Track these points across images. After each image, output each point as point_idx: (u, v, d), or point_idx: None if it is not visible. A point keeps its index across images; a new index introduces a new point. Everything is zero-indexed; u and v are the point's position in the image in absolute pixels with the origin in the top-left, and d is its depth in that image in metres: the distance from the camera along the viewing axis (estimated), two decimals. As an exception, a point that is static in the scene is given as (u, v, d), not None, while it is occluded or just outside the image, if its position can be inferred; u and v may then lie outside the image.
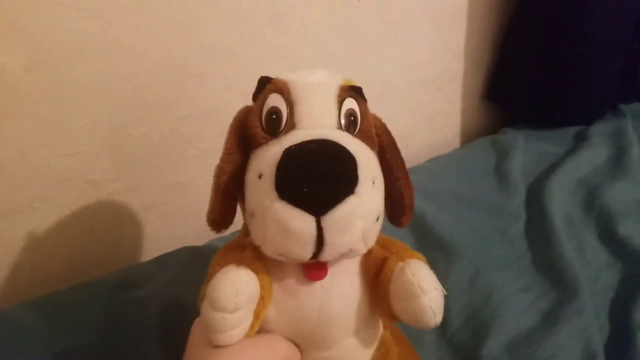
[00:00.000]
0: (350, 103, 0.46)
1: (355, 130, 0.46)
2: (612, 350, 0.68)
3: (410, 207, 0.50)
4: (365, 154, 0.43)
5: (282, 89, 0.46)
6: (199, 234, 0.87)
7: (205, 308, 0.40)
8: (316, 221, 0.38)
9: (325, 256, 0.40)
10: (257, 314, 0.44)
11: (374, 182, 0.42)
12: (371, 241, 0.43)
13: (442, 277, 0.76)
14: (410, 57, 1.13)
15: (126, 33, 0.74)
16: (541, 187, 0.99)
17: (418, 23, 1.11)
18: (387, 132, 0.51)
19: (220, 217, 0.47)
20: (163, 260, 0.78)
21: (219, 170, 0.47)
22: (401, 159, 0.50)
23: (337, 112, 0.45)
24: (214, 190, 0.47)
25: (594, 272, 0.81)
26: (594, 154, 1.10)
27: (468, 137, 1.34)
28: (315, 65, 0.93)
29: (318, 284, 0.47)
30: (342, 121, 0.45)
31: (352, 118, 0.46)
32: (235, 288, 0.41)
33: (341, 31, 0.99)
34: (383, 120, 0.52)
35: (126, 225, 0.84)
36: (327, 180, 0.38)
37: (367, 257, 0.48)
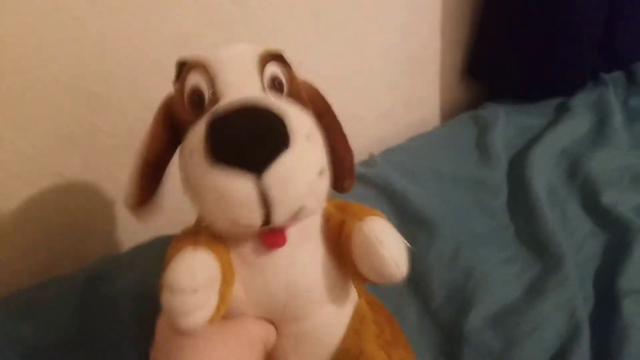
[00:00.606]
0: (273, 68, 0.45)
1: (282, 93, 0.46)
2: (597, 319, 0.67)
3: (351, 170, 0.51)
4: (295, 111, 0.42)
5: (199, 66, 0.45)
6: (174, 223, 0.85)
7: (164, 295, 0.39)
8: (257, 184, 0.37)
9: (277, 218, 0.39)
10: (221, 295, 0.43)
11: (308, 137, 0.41)
12: (321, 196, 0.42)
13: (424, 253, 0.76)
14: (385, 34, 1.11)
15: (85, 22, 0.71)
16: (523, 160, 0.98)
17: (392, 1, 1.09)
18: (321, 97, 0.51)
19: (137, 199, 0.48)
20: (136, 251, 0.76)
21: (139, 152, 0.47)
22: (338, 123, 0.51)
23: (260, 79, 0.44)
24: (132, 173, 0.47)
25: (578, 241, 0.80)
26: (575, 124, 1.08)
27: (448, 115, 1.32)
28: (284, 42, 0.91)
29: (282, 255, 0.46)
30: (266, 86, 0.45)
31: (276, 82, 0.45)
32: (191, 268, 0.40)
33: (314, 11, 0.97)
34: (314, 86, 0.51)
35: (98, 218, 0.82)
36: (256, 136, 0.37)
37: (327, 222, 0.48)
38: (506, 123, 1.12)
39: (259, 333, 0.47)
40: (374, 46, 1.10)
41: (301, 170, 0.39)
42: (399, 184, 0.91)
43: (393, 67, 1.16)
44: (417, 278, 0.73)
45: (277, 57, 0.47)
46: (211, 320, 0.41)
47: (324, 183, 0.42)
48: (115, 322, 0.63)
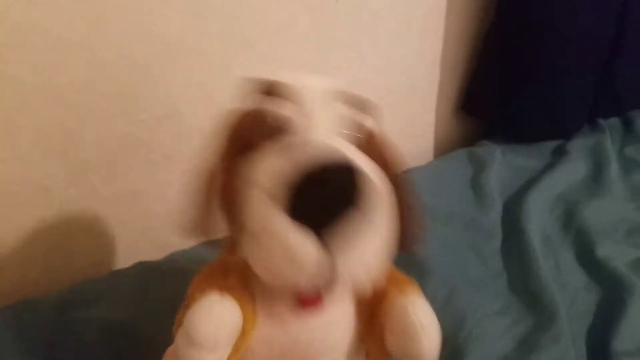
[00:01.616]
0: (358, 116, 0.43)
1: (359, 144, 0.42)
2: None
3: (415, 233, 0.47)
4: (377, 175, 0.39)
5: (284, 94, 0.42)
6: (159, 246, 0.82)
7: (180, 340, 0.37)
8: (325, 249, 0.34)
9: (328, 287, 0.37)
10: (236, 349, 0.41)
11: (388, 209, 0.38)
12: (378, 272, 0.39)
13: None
14: (384, 62, 1.09)
15: (73, 30, 0.68)
16: (518, 203, 0.96)
17: (394, 28, 1.07)
18: (391, 151, 0.47)
19: (202, 225, 0.42)
20: (115, 277, 0.73)
21: (210, 177, 0.42)
22: (406, 179, 0.47)
23: (343, 124, 0.42)
24: (199, 197, 0.42)
25: (571, 294, 0.78)
26: (572, 170, 1.08)
27: (442, 149, 1.31)
28: (283, 64, 0.89)
29: (311, 316, 0.43)
30: (348, 134, 0.42)
31: (358, 133, 0.42)
32: (216, 323, 0.38)
33: (314, 31, 0.95)
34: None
35: (79, 236, 0.78)
36: (340, 201, 0.34)
37: None
38: (502, 163, 1.10)
39: None
40: (371, 79, 1.09)
41: (371, 248, 0.36)
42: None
43: (390, 100, 1.14)
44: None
45: (364, 104, 0.44)
46: None
47: (386, 260, 0.40)
48: (79, 351, 0.60)
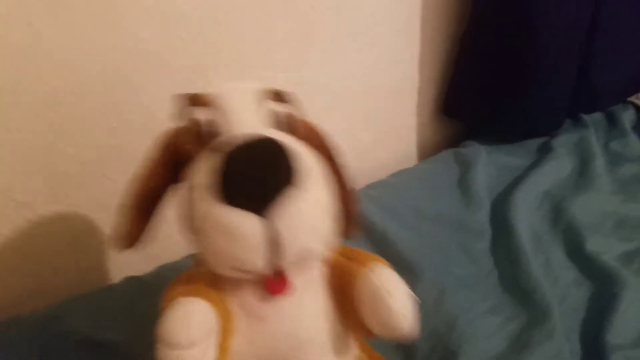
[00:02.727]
0: (277, 106, 0.45)
1: (288, 131, 0.44)
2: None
3: (355, 215, 0.49)
4: (301, 149, 0.41)
5: (206, 102, 0.44)
6: (147, 260, 0.81)
7: (159, 347, 0.38)
8: (266, 225, 0.36)
9: (282, 261, 0.38)
10: (222, 348, 0.41)
11: (316, 176, 0.40)
12: (327, 239, 0.41)
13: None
14: (365, 65, 1.08)
15: (49, 42, 0.67)
16: (506, 202, 0.96)
17: (374, 29, 1.07)
18: (320, 135, 0.49)
19: (128, 231, 0.46)
20: (103, 293, 0.71)
21: (132, 186, 0.45)
22: (340, 166, 0.49)
23: (263, 114, 0.44)
24: (124, 205, 0.45)
25: (562, 290, 0.78)
26: (558, 166, 1.07)
27: (426, 150, 1.31)
28: (263, 71, 0.88)
29: (285, 304, 0.44)
30: (269, 122, 0.44)
31: (283, 120, 0.44)
32: (186, 321, 0.38)
33: (293, 37, 0.94)
34: (315, 125, 0.50)
35: (66, 251, 0.77)
36: (269, 175, 0.36)
37: (329, 268, 0.47)
38: (488, 162, 1.10)
39: None
40: (351, 82, 1.08)
41: (312, 212, 0.38)
42: (380, 223, 0.88)
43: (370, 103, 1.14)
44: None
45: (282, 95, 0.46)
46: None
47: (331, 226, 0.41)
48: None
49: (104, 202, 0.78)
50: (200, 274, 0.44)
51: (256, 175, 0.36)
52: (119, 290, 0.72)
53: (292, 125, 0.45)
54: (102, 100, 0.74)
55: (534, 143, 1.19)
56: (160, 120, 0.78)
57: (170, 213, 0.81)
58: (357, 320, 0.44)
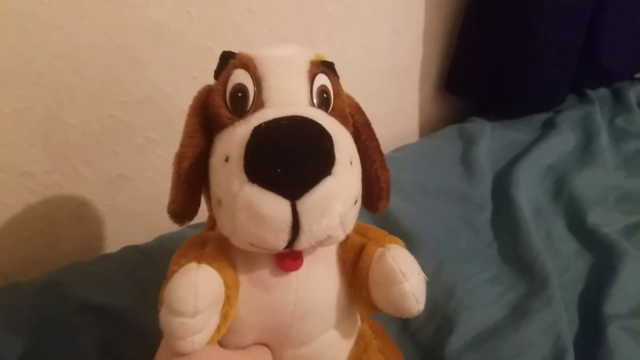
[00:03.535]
0: (323, 79, 0.43)
1: (328, 108, 0.43)
2: (581, 344, 0.65)
3: (387, 191, 0.47)
4: (341, 133, 0.40)
5: (248, 64, 0.42)
6: (145, 231, 0.82)
7: (163, 313, 0.37)
8: (291, 205, 0.35)
9: (301, 244, 0.37)
10: (224, 316, 0.40)
11: (351, 162, 0.39)
12: (349, 226, 0.40)
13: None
14: (369, 42, 1.08)
15: (52, 15, 0.67)
16: (508, 176, 0.96)
17: (378, 6, 1.06)
18: (361, 112, 0.48)
19: (183, 208, 0.43)
20: (103, 261, 0.72)
21: (179, 157, 0.42)
22: (376, 140, 0.47)
23: (309, 89, 0.42)
24: (174, 179, 0.42)
25: (563, 262, 0.78)
26: (561, 141, 1.07)
27: (429, 127, 1.30)
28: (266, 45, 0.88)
29: (293, 275, 0.43)
30: (314, 98, 0.42)
31: (324, 95, 0.43)
32: (194, 290, 0.37)
33: (298, 13, 0.94)
34: (356, 100, 0.49)
35: (66, 221, 0.77)
36: (301, 159, 0.34)
37: (344, 244, 0.46)
38: (492, 138, 1.10)
39: None
40: (355, 59, 1.08)
41: (339, 199, 0.37)
42: (382, 196, 0.88)
43: (375, 80, 1.14)
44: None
45: (328, 67, 0.45)
46: (210, 341, 0.39)
47: (356, 212, 0.40)
48: (65, 336, 0.59)
49: (107, 174, 0.78)
50: (213, 239, 0.43)
51: (292, 158, 0.34)
52: (117, 259, 0.72)
53: (334, 102, 0.43)
54: (107, 72, 0.74)
55: (539, 118, 1.18)
56: (167, 94, 0.80)
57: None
58: (366, 296, 0.44)
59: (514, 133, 1.13)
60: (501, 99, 1.19)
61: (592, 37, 1.19)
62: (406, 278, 0.41)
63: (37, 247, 0.75)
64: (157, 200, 0.83)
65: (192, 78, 0.82)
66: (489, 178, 0.97)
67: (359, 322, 0.51)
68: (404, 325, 0.67)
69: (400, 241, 0.46)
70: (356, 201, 0.39)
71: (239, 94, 0.41)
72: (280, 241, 0.36)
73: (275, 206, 0.34)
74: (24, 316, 0.60)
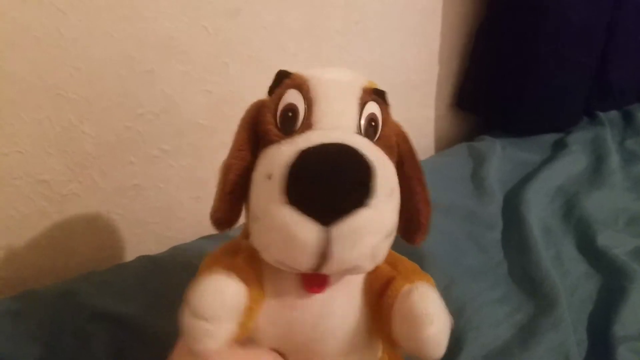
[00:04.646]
0: (373, 107, 0.43)
1: (375, 136, 0.43)
2: (591, 364, 0.65)
3: (426, 225, 0.46)
4: (384, 163, 0.40)
5: (301, 85, 0.43)
6: (159, 240, 0.83)
7: (185, 312, 0.38)
8: (324, 234, 0.35)
9: (328, 269, 0.37)
10: (243, 326, 0.41)
11: (391, 195, 0.39)
12: (380, 259, 0.40)
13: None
14: (379, 59, 1.09)
15: (75, 27, 0.69)
16: (518, 195, 0.96)
17: (388, 24, 1.07)
18: (407, 142, 0.47)
19: (224, 216, 0.44)
20: (117, 270, 0.73)
21: (227, 167, 0.43)
22: (420, 171, 0.47)
23: (358, 116, 0.42)
24: (219, 189, 0.44)
25: (573, 282, 0.78)
26: (572, 162, 1.08)
27: (442, 144, 1.31)
28: (278, 63, 0.89)
29: (316, 297, 0.44)
30: (362, 126, 0.42)
31: (372, 123, 0.43)
32: (220, 297, 0.38)
33: (308, 28, 0.95)
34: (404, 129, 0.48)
35: (81, 230, 0.79)
36: (339, 187, 0.35)
37: (372, 273, 0.45)
38: (502, 157, 1.10)
39: None
40: (371, 72, 1.08)
41: (371, 231, 0.37)
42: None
43: (389, 94, 1.14)
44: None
45: (379, 95, 0.45)
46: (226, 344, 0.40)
47: (388, 245, 0.40)
48: (79, 343, 0.60)
49: (122, 184, 0.80)
50: (245, 248, 0.44)
51: (329, 185, 0.35)
52: (131, 268, 0.73)
53: (382, 130, 0.44)
54: (121, 84, 0.75)
55: (549, 139, 1.19)
56: (180, 107, 0.81)
57: (184, 196, 0.84)
58: (388, 330, 0.42)
59: (524, 153, 1.14)
60: (513, 117, 1.20)
61: (603, 58, 1.20)
62: (431, 321, 0.39)
63: (53, 255, 0.76)
64: (167, 210, 0.84)
65: (206, 92, 0.83)
66: (499, 197, 0.98)
67: (380, 353, 0.50)
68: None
69: (430, 279, 0.45)
70: (388, 235, 0.39)
71: (290, 114, 0.42)
72: (308, 264, 0.37)
73: (307, 229, 0.35)
74: (39, 323, 0.61)
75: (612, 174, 1.04)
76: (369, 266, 0.39)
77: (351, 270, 0.39)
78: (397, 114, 1.17)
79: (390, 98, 1.14)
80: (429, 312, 0.39)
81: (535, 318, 0.70)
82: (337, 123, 0.41)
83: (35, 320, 0.61)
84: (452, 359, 0.64)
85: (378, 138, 0.43)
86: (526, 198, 0.94)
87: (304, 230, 0.35)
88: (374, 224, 0.36)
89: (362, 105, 0.43)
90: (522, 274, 0.78)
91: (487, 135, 1.20)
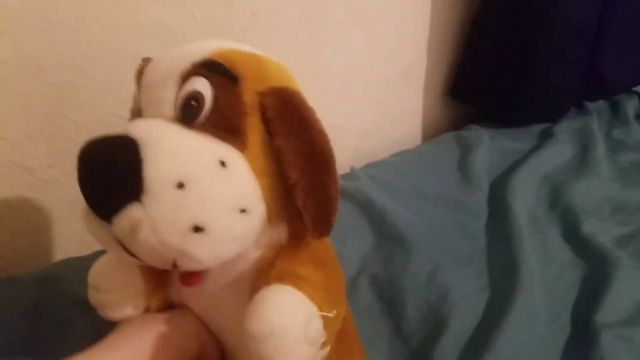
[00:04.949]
0: (195, 84, 0.39)
1: (199, 115, 0.38)
2: (573, 351, 0.65)
3: (314, 221, 0.40)
4: (184, 150, 0.37)
5: (140, 72, 0.43)
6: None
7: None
8: (112, 229, 0.35)
9: (146, 261, 0.37)
10: (144, 299, 0.48)
11: (179, 185, 0.35)
12: (208, 249, 0.36)
13: (400, 273, 0.73)
14: (373, 48, 1.09)
15: (60, 14, 0.68)
16: (505, 184, 0.96)
17: (382, 12, 1.07)
18: (284, 118, 0.40)
19: None
20: (98, 255, 0.72)
21: None
22: (302, 153, 0.40)
23: (175, 97, 0.39)
24: None
25: (557, 270, 0.78)
26: (559, 151, 1.08)
27: (430, 134, 1.31)
28: (272, 53, 0.89)
29: (201, 294, 0.45)
30: (177, 108, 0.39)
31: (193, 102, 0.38)
32: (97, 269, 0.47)
33: (303, 19, 0.94)
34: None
35: (65, 217, 0.78)
36: (103, 185, 0.35)
37: (261, 270, 0.42)
38: (490, 146, 1.10)
39: (193, 330, 0.47)
40: (359, 65, 1.08)
41: (150, 226, 0.34)
42: (379, 200, 0.88)
43: (377, 86, 1.14)
44: (391, 299, 0.71)
45: (214, 68, 0.40)
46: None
47: (201, 240, 0.36)
48: (60, 328, 0.60)
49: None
50: None
51: (91, 181, 0.35)
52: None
53: (214, 107, 0.39)
54: (111, 71, 0.74)
55: (536, 128, 1.19)
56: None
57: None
58: None
59: (512, 142, 1.14)
60: (506, 107, 1.20)
61: (594, 49, 1.20)
62: (256, 343, 0.36)
63: (35, 241, 0.76)
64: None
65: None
66: (486, 185, 0.98)
67: None
68: (396, 329, 0.67)
69: (301, 277, 0.40)
70: (197, 228, 0.35)
71: (133, 103, 0.43)
72: (128, 257, 0.37)
73: (96, 226, 0.36)
74: (21, 308, 0.60)
75: (598, 163, 1.04)
76: (199, 256, 0.36)
77: (182, 262, 0.37)
78: (386, 103, 1.17)
79: (380, 87, 1.14)
80: (253, 331, 0.36)
81: (511, 305, 0.69)
82: (154, 110, 0.40)
83: (16, 307, 0.61)
84: (435, 342, 0.64)
85: (208, 116, 0.39)
86: (512, 187, 0.94)
87: (93, 225, 0.36)
88: (148, 219, 0.34)
89: (182, 83, 0.39)
90: (506, 261, 0.78)
91: (474, 125, 1.20)
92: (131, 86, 0.75)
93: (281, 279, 0.39)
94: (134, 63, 0.74)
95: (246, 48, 0.44)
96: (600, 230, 0.85)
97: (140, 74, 0.43)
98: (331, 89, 1.05)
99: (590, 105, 1.25)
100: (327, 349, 0.44)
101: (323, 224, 0.41)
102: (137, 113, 0.42)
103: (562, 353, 0.65)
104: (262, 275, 0.41)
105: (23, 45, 0.66)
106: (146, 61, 0.44)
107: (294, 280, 0.39)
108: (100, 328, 0.59)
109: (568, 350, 0.65)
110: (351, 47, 1.05)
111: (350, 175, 0.99)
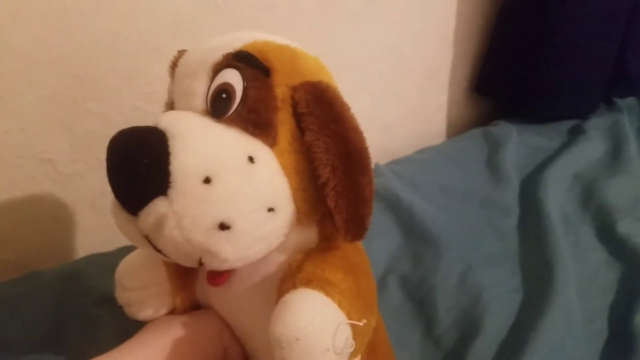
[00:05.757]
0: (226, 76, 0.38)
1: (230, 109, 0.37)
2: (612, 355, 0.63)
3: (346, 223, 0.38)
4: (212, 144, 0.36)
5: (174, 63, 0.42)
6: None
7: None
8: (137, 222, 0.35)
9: (170, 258, 0.37)
10: (170, 299, 0.47)
11: (206, 180, 0.34)
12: (234, 248, 0.35)
13: (430, 273, 0.71)
14: (396, 42, 1.06)
15: (78, 2, 0.66)
16: (536, 181, 0.93)
17: (405, 5, 1.04)
18: (315, 113, 0.39)
19: None
20: (123, 252, 0.70)
21: None
22: (334, 150, 0.38)
23: (206, 89, 0.38)
24: None
25: (592, 271, 0.76)
26: (590, 149, 1.05)
27: (456, 129, 1.28)
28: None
29: (227, 295, 0.44)
30: (209, 102, 0.38)
31: (224, 95, 0.37)
32: (124, 268, 0.47)
33: (323, 10, 0.92)
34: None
35: (87, 211, 0.76)
36: (130, 178, 0.34)
37: (291, 269, 0.40)
38: (518, 142, 1.08)
39: (214, 329, 0.46)
40: (382, 59, 1.06)
41: (175, 222, 0.33)
42: (406, 198, 0.86)
43: (401, 80, 1.12)
44: (422, 299, 0.69)
45: (245, 59, 0.38)
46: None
47: (227, 238, 0.35)
48: (85, 326, 0.58)
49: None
50: None
51: (118, 175, 0.34)
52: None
53: (244, 100, 0.37)
54: (131, 62, 0.73)
55: (565, 125, 1.16)
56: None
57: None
58: None
59: (541, 138, 1.11)
60: (532, 103, 1.17)
61: (623, 45, 1.17)
62: (281, 349, 0.34)
63: (57, 236, 0.75)
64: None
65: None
66: (516, 183, 0.95)
67: None
68: (428, 329, 0.65)
69: (327, 282, 0.38)
70: (222, 225, 0.34)
71: (167, 96, 0.43)
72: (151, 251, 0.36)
73: (122, 219, 0.35)
74: (42, 305, 0.59)
75: (630, 160, 1.01)
76: (230, 254, 0.35)
77: (209, 260, 0.36)
78: (406, 97, 1.15)
79: (399, 81, 1.11)
80: (278, 337, 0.34)
81: (546, 306, 0.67)
82: (186, 103, 0.39)
83: (39, 304, 0.60)
84: (468, 344, 0.62)
85: (238, 109, 0.37)
86: (544, 185, 0.91)
87: (120, 218, 0.35)
88: (174, 215, 0.33)
89: (214, 75, 0.38)
90: (540, 261, 0.75)
91: (502, 121, 1.17)
92: (150, 77, 0.74)
93: (309, 283, 0.37)
94: (152, 53, 0.73)
95: (282, 40, 0.42)
96: (636, 230, 0.82)
97: (174, 65, 0.42)
98: (349, 81, 1.03)
99: (620, 101, 1.22)
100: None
101: (356, 227, 0.39)
102: (170, 106, 0.41)
103: (600, 356, 0.62)
104: (289, 278, 0.39)
105: (41, 35, 0.65)
106: (181, 53, 0.43)
107: (322, 285, 0.37)
108: (127, 327, 0.58)
109: (606, 354, 0.63)
110: (370, 39, 1.03)
111: (375, 171, 0.96)
